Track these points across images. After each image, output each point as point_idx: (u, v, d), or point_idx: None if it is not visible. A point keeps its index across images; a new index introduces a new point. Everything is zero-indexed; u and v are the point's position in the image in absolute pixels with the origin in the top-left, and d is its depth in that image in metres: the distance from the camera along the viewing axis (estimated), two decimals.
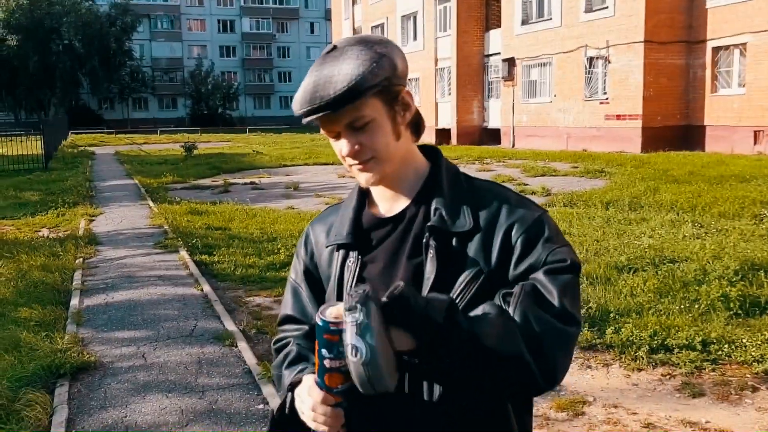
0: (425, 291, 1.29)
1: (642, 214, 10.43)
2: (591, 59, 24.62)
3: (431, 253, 1.32)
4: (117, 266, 8.45)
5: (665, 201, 11.42)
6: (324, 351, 1.22)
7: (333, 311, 1.20)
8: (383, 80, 1.28)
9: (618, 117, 23.45)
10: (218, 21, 76.74)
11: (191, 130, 55.54)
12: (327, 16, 70.77)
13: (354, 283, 1.37)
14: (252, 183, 17.97)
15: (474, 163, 21.41)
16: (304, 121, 1.32)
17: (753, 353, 4.76)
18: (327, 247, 1.46)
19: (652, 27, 22.07)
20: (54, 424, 4.13)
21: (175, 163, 24.04)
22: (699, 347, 4.88)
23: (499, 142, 30.12)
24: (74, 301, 6.79)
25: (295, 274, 1.56)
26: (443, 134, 32.81)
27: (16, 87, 59.71)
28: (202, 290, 7.17)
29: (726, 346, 4.90)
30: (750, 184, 13.02)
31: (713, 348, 4.88)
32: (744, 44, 20.87)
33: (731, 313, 5.58)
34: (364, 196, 1.48)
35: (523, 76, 28.50)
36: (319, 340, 1.22)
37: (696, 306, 5.73)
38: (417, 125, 1.42)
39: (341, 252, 1.43)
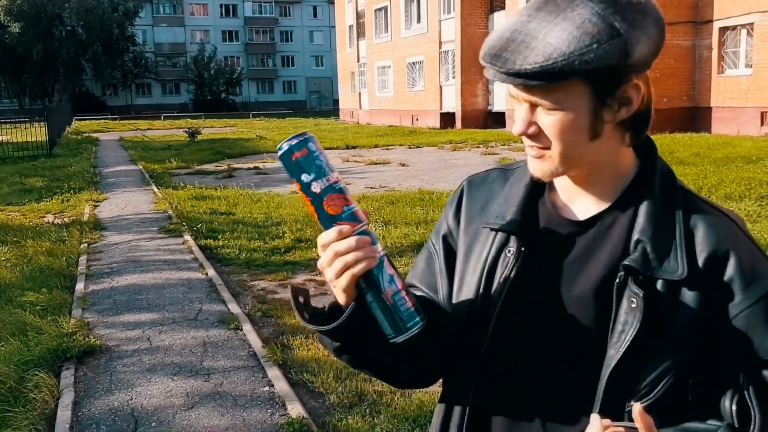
0: (618, 346, 1.00)
1: None
2: None
3: (633, 302, 1.00)
4: (121, 251, 8.46)
5: None
6: (303, 176, 1.00)
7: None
8: (600, 69, 0.94)
9: None
10: (220, 5, 76.41)
11: (194, 115, 55.54)
12: None
13: (509, 286, 1.08)
14: (256, 168, 17.95)
15: (479, 147, 21.32)
16: (491, 76, 1.02)
17: None
18: (483, 227, 1.15)
19: (659, 7, 21.87)
20: (61, 406, 4.15)
21: (178, 149, 24.02)
22: None
23: (504, 126, 29.96)
24: (79, 286, 6.80)
25: (435, 235, 1.24)
26: (448, 118, 32.68)
27: (20, 74, 59.75)
28: (206, 274, 7.17)
29: None
30: (756, 166, 12.94)
31: None
32: (751, 24, 20.66)
33: None
34: None
35: None
36: (290, 168, 1.01)
37: None
38: (639, 125, 1.04)
39: (498, 237, 1.12)
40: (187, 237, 8.98)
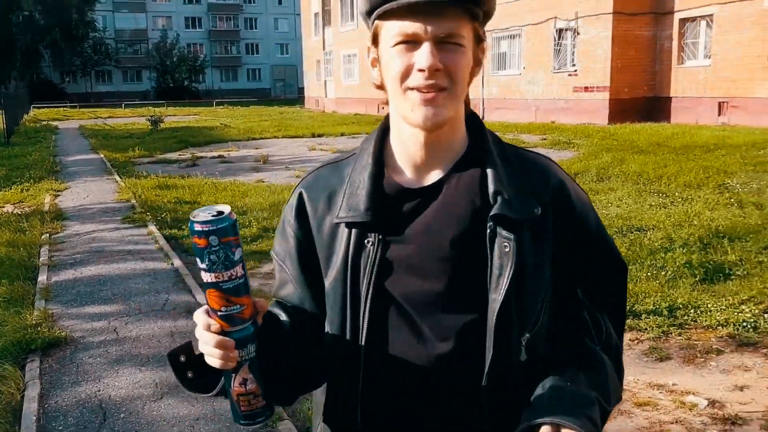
0: (498, 289, 1.09)
1: (609, 185, 10.57)
2: (560, 31, 24.67)
3: (506, 246, 1.09)
4: (85, 241, 8.33)
5: (632, 171, 11.58)
6: (198, 260, 1.00)
7: (203, 213, 1.00)
8: (487, 10, 1.13)
9: (586, 89, 23.60)
10: None
11: (157, 103, 54.62)
12: None
13: (376, 270, 1.12)
14: (220, 156, 17.77)
15: None
16: (395, 4, 1.05)
17: (717, 317, 4.89)
18: (337, 222, 1.16)
19: None
20: (27, 399, 4.10)
21: (141, 137, 23.64)
22: (666, 313, 5.00)
23: None
24: (42, 277, 6.69)
25: (281, 249, 1.24)
26: None
27: None
28: (172, 264, 7.11)
29: (692, 311, 5.04)
30: (714, 155, 13.25)
31: (679, 313, 5.01)
32: (710, 15, 21.07)
33: (696, 279, 5.71)
34: (381, 160, 1.18)
35: (493, 48, 28.45)
36: (193, 243, 1.00)
37: (662, 273, 5.86)
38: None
39: (355, 231, 1.14)
40: (152, 227, 8.88)
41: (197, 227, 0.98)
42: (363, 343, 1.12)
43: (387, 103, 1.17)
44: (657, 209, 8.49)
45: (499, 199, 1.10)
